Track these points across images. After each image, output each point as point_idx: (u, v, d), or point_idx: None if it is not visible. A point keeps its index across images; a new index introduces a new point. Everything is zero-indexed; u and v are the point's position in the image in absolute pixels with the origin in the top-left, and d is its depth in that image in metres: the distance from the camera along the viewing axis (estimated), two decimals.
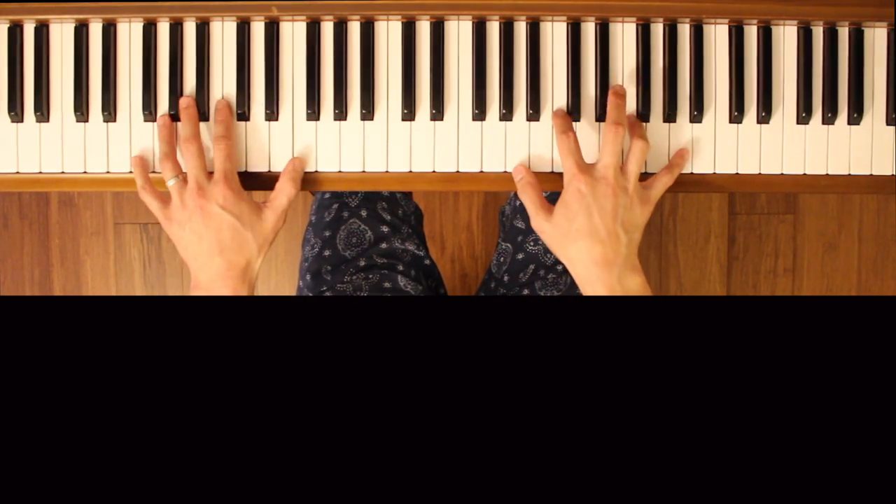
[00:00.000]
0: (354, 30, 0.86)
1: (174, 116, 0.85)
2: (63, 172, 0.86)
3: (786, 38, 0.87)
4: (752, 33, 0.87)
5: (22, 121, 0.86)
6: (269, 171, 0.86)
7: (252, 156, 0.86)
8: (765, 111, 0.86)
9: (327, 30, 0.86)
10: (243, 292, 0.82)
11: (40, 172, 0.86)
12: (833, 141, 0.87)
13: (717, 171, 0.87)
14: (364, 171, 0.86)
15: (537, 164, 0.86)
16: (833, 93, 0.87)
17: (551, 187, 0.86)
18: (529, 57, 0.86)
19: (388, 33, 0.86)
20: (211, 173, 0.82)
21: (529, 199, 0.83)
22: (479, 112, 0.85)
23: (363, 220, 1.07)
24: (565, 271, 1.06)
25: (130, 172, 0.86)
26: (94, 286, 1.70)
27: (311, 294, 1.06)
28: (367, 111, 0.85)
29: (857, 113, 0.87)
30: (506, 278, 1.10)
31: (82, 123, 0.86)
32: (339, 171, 0.86)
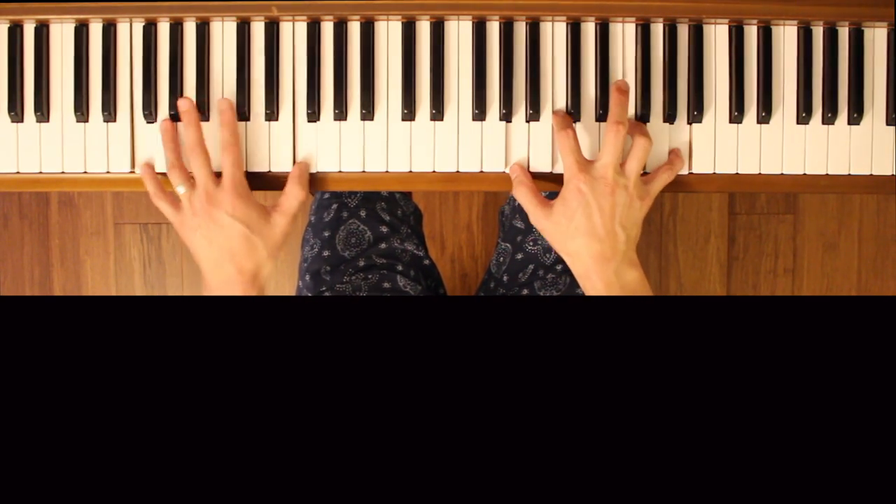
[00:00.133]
0: (354, 30, 0.86)
1: (174, 117, 0.85)
2: (63, 172, 0.86)
3: (786, 38, 0.87)
4: (752, 33, 0.87)
5: (22, 121, 0.86)
6: (270, 172, 0.86)
7: (252, 156, 0.86)
8: (765, 111, 0.86)
9: (327, 30, 0.86)
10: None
11: (40, 172, 0.86)
12: (833, 141, 0.87)
13: (717, 171, 0.87)
14: (364, 171, 0.86)
15: (537, 165, 0.86)
16: (833, 93, 0.87)
17: (551, 188, 0.86)
18: (529, 57, 0.86)
19: (388, 33, 0.86)
20: (218, 174, 0.83)
21: (525, 198, 0.84)
22: (479, 112, 0.85)
23: (362, 221, 1.07)
24: (564, 271, 1.06)
25: (131, 172, 0.86)
26: (94, 286, 1.70)
27: (310, 294, 1.06)
28: (367, 111, 0.85)
29: (857, 113, 0.87)
30: (505, 278, 1.10)
31: (82, 123, 0.86)
32: (340, 171, 0.86)
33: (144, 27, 0.85)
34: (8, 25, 0.85)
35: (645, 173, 0.85)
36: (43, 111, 0.85)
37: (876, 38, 0.87)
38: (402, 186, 0.87)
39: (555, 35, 0.86)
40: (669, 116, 0.86)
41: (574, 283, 1.04)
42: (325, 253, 1.06)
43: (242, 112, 0.85)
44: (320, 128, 0.86)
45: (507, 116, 0.86)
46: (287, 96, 0.86)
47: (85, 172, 0.86)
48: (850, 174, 0.88)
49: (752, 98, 0.87)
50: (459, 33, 0.86)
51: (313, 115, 0.85)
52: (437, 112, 0.85)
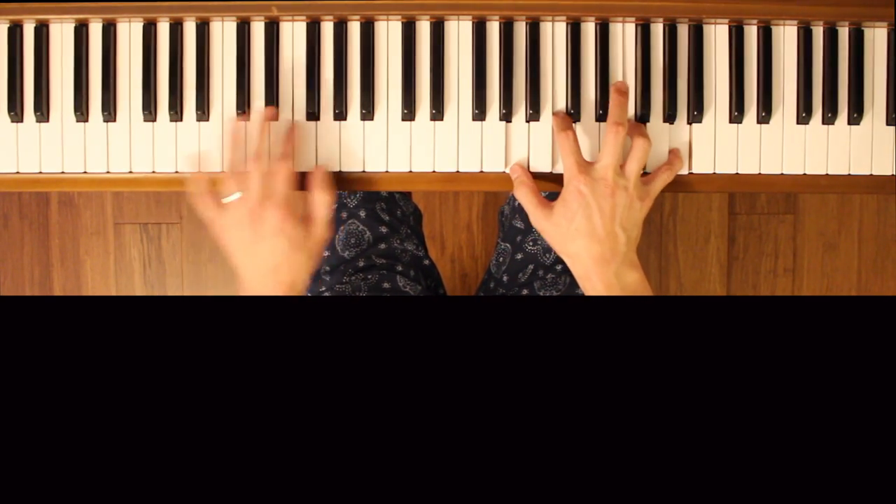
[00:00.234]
0: (354, 30, 0.86)
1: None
2: (63, 172, 0.86)
3: (786, 38, 0.87)
4: (752, 33, 0.87)
5: (22, 121, 0.86)
6: None
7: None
8: (765, 111, 0.86)
9: (327, 30, 0.86)
10: None
11: (40, 172, 0.86)
12: (833, 141, 0.87)
13: (717, 171, 0.87)
14: (364, 172, 0.86)
15: (537, 165, 0.86)
16: (833, 93, 0.87)
17: (551, 188, 0.86)
18: (529, 57, 0.85)
19: (388, 33, 0.86)
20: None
21: (526, 199, 0.83)
22: (479, 112, 0.85)
23: (362, 221, 1.07)
24: (564, 271, 1.06)
25: (131, 172, 0.86)
26: (94, 286, 1.70)
27: (309, 294, 1.06)
28: (367, 111, 0.85)
29: (857, 113, 0.87)
30: (505, 278, 1.09)
31: (82, 123, 0.86)
32: (339, 172, 0.86)
33: (144, 27, 0.85)
34: (8, 25, 0.85)
35: (645, 173, 0.85)
36: (43, 111, 0.85)
37: (876, 38, 0.87)
38: (403, 186, 0.87)
39: (555, 35, 0.86)
40: (669, 116, 0.86)
41: (574, 283, 1.04)
42: (325, 253, 1.06)
43: (242, 112, 0.85)
44: (320, 128, 0.86)
45: (507, 116, 0.86)
46: (287, 96, 0.86)
47: (85, 172, 0.86)
48: (850, 174, 0.88)
49: (752, 98, 0.87)
50: (459, 33, 0.86)
51: (313, 114, 0.85)
52: (437, 112, 0.85)
